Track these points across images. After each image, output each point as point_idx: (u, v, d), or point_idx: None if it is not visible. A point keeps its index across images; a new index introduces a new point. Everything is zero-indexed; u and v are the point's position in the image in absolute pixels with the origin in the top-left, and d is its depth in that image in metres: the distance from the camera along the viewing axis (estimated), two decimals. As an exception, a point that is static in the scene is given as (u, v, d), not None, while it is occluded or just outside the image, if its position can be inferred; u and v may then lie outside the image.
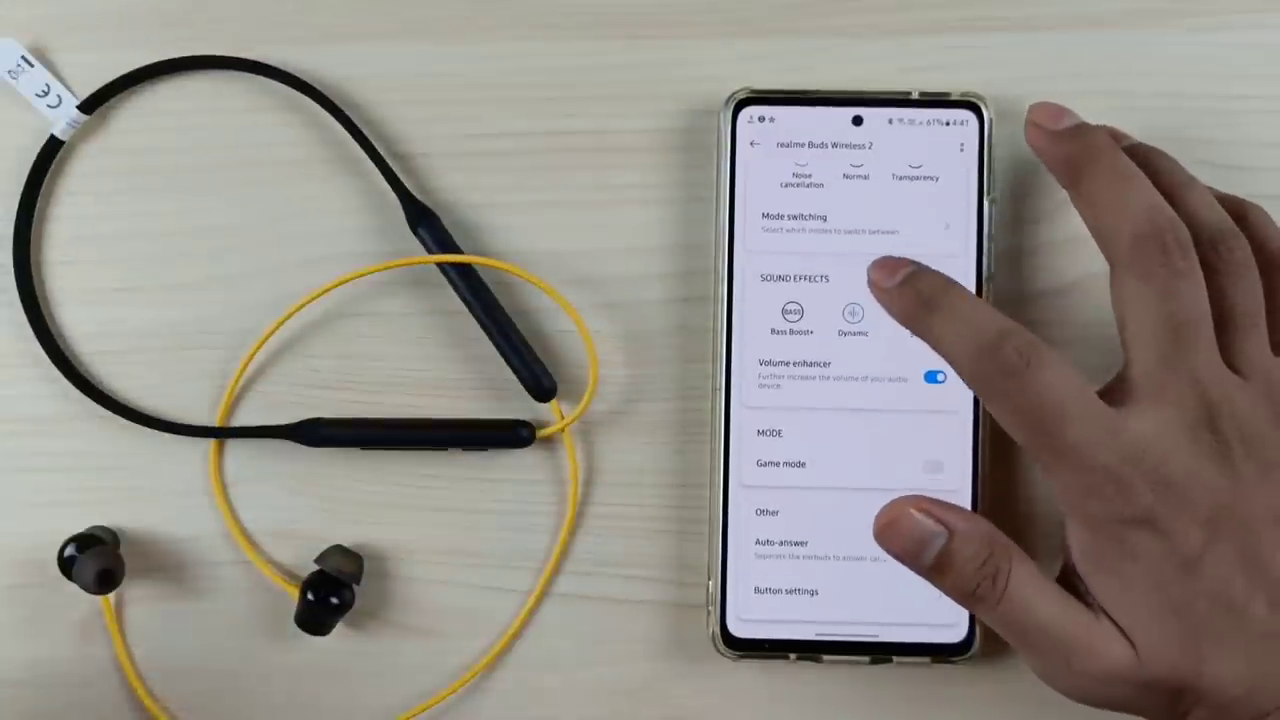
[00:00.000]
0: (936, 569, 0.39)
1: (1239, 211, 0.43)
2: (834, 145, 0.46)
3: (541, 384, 0.46)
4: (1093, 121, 0.43)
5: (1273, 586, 0.38)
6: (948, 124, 0.46)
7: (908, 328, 0.41)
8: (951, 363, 0.40)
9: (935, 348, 0.40)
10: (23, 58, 0.47)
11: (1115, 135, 0.44)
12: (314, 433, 0.46)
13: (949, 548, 0.39)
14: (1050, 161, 0.43)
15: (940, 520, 0.39)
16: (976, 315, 0.40)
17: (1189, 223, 0.41)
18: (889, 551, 0.40)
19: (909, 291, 0.40)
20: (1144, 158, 0.43)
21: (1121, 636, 0.39)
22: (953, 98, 0.46)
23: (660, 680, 0.47)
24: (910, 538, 0.39)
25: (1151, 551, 0.39)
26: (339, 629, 0.46)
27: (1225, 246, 0.41)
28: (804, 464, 0.45)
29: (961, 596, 0.40)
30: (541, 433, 0.47)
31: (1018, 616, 0.39)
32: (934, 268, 0.41)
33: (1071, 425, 0.38)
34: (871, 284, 0.41)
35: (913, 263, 0.41)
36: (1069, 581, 0.40)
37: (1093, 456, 0.38)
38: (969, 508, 0.45)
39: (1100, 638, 0.39)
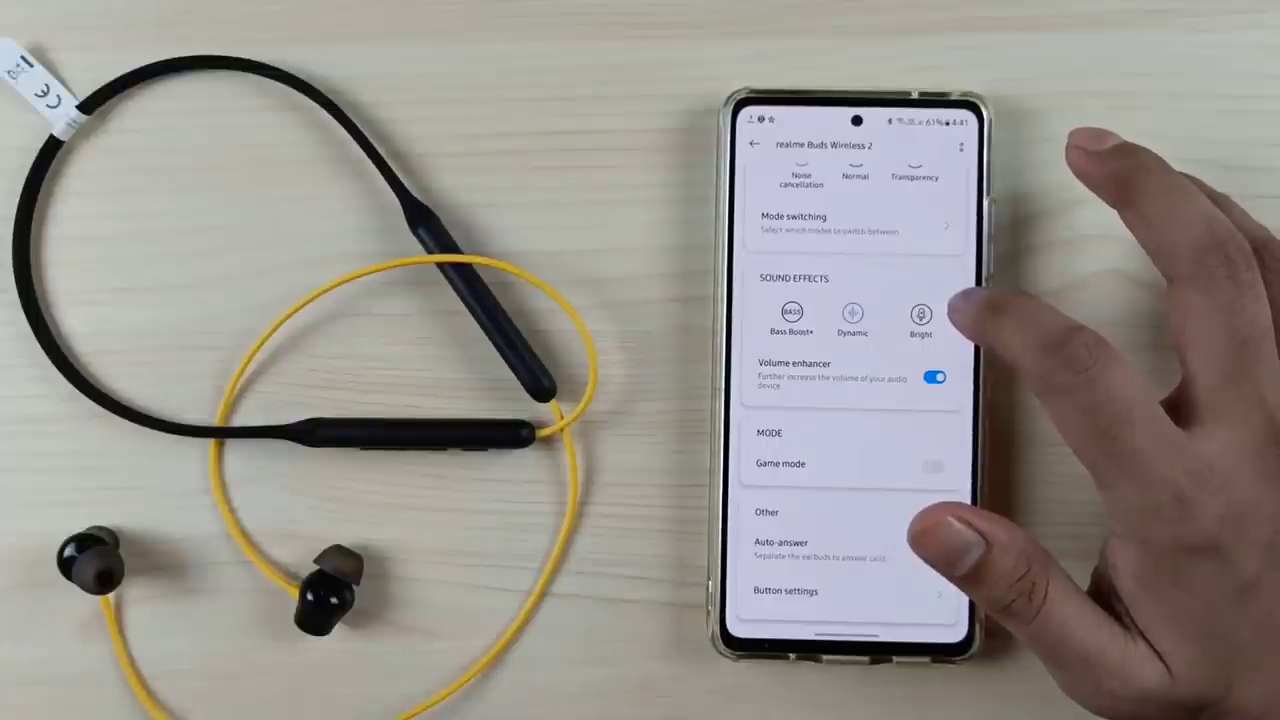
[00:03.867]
0: (971, 579, 0.38)
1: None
2: (833, 145, 0.46)
3: (541, 384, 0.46)
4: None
5: None
6: (947, 124, 0.46)
7: (977, 336, 0.41)
8: (1017, 361, 0.39)
9: (1003, 351, 0.40)
10: (22, 58, 0.47)
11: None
12: (314, 433, 0.46)
13: (985, 559, 0.38)
14: (1097, 183, 0.42)
15: (979, 530, 0.38)
16: (1044, 314, 0.39)
17: None
18: (922, 557, 0.39)
19: (977, 300, 0.41)
20: None
21: (1157, 660, 0.38)
22: (952, 98, 0.46)
23: (660, 680, 0.47)
24: (946, 545, 0.38)
25: (1207, 579, 0.38)
26: (339, 629, 0.46)
27: (1271, 256, 0.40)
28: (804, 464, 0.45)
29: (994, 609, 0.39)
30: (541, 433, 0.47)
31: (1051, 635, 0.39)
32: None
33: (1138, 432, 0.37)
34: (950, 309, 0.43)
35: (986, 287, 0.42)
36: (1103, 598, 0.40)
37: (1158, 470, 0.37)
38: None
39: (1135, 661, 0.38)
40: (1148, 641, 0.39)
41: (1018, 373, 0.40)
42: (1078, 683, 0.39)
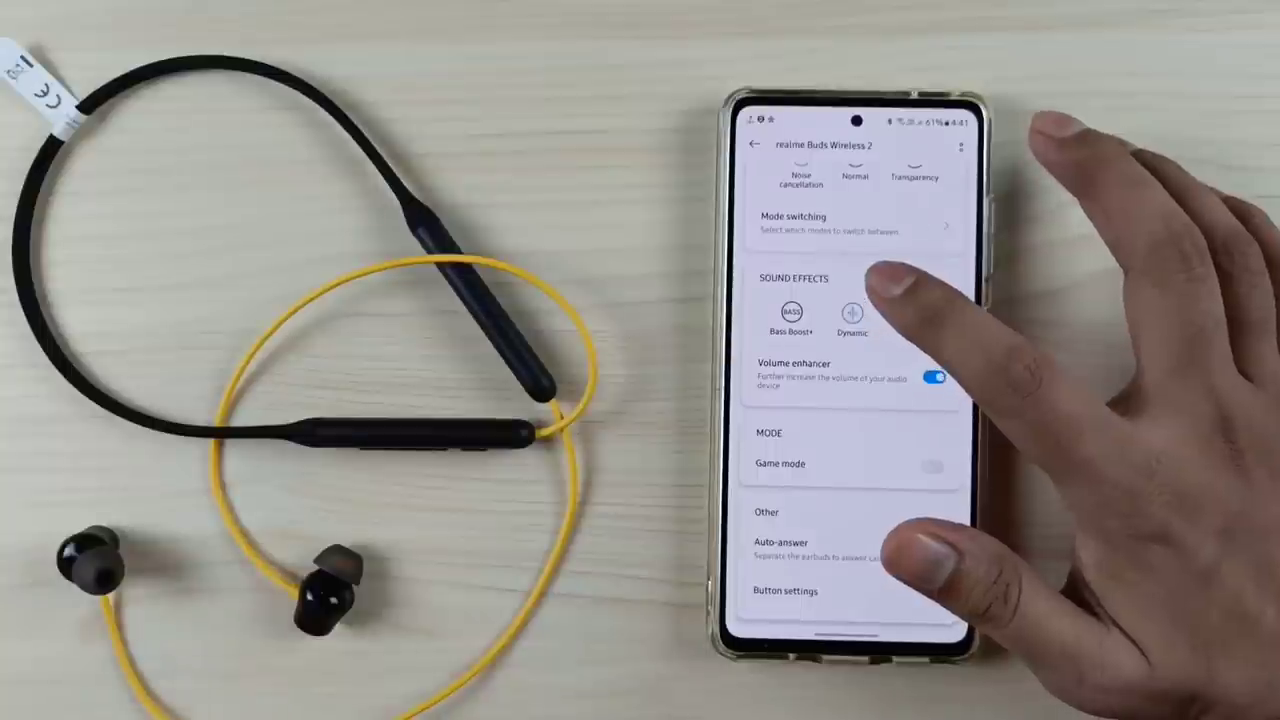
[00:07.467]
0: (948, 592, 0.39)
1: (1242, 213, 0.43)
2: (833, 145, 0.46)
3: (541, 384, 0.46)
4: (1094, 121, 0.43)
5: None
6: (947, 124, 0.46)
7: (913, 342, 0.39)
8: (959, 381, 0.39)
9: (941, 364, 0.39)
10: (22, 58, 0.47)
11: (1121, 143, 0.44)
12: (314, 433, 0.46)
13: (959, 569, 0.38)
14: (1058, 170, 0.42)
15: (948, 542, 0.39)
16: (984, 332, 0.38)
17: (1201, 228, 0.40)
18: (899, 578, 0.39)
19: (912, 305, 0.39)
20: (1150, 165, 0.42)
21: (1133, 648, 0.39)
22: (952, 98, 0.46)
23: (660, 680, 0.47)
24: (921, 562, 0.38)
25: (1167, 565, 0.38)
26: (339, 629, 0.46)
27: (1240, 252, 0.41)
28: (803, 464, 0.45)
29: (973, 617, 0.39)
30: (541, 433, 0.47)
31: (1029, 634, 0.39)
32: (936, 276, 0.39)
33: (1086, 440, 0.38)
34: (870, 290, 0.39)
35: (914, 271, 0.39)
36: (1076, 592, 0.40)
37: (1107, 471, 0.38)
38: (969, 507, 0.45)
39: (1112, 650, 0.39)
40: (1121, 630, 0.39)
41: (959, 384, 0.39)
42: (1061, 678, 0.39)
